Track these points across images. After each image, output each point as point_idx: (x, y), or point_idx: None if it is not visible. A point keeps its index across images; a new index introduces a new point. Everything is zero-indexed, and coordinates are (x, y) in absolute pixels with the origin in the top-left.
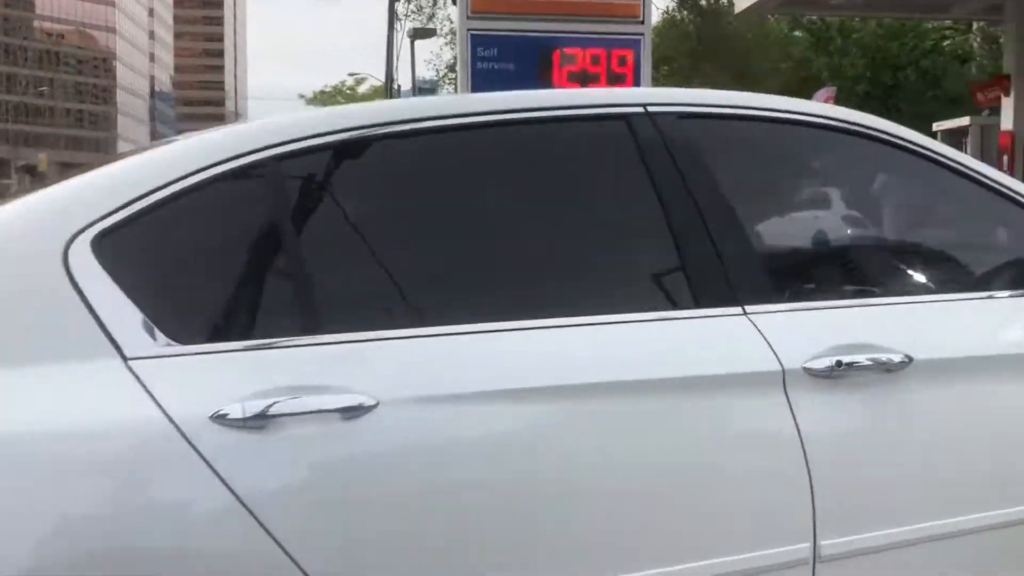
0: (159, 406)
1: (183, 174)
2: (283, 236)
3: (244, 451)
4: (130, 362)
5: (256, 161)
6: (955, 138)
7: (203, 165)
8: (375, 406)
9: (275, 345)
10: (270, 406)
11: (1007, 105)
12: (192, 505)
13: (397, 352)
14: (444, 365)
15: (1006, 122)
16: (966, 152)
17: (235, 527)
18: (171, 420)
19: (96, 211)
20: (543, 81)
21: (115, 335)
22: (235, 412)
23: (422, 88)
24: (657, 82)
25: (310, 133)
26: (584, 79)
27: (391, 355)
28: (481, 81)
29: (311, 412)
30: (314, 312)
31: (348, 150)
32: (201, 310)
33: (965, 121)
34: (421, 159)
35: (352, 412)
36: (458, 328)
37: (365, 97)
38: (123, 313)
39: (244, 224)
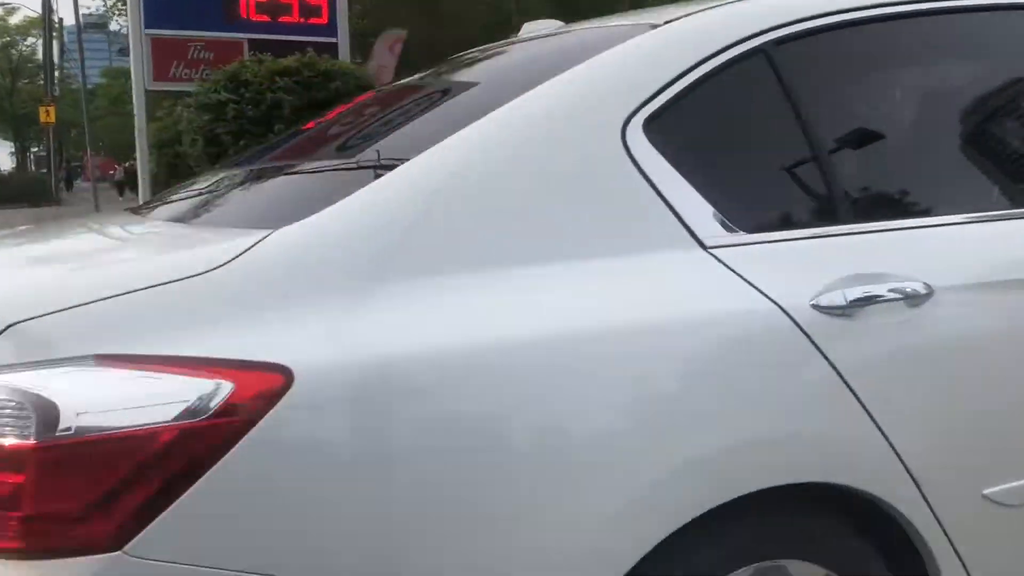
0: (764, 295)
1: (707, 55)
2: (823, 121)
3: (840, 336)
4: (711, 251)
5: (789, 35)
6: None
7: (729, 43)
8: (931, 293)
9: (832, 233)
10: (855, 292)
11: None
12: (809, 389)
13: (946, 239)
14: (995, 251)
15: None
16: None
17: (842, 410)
18: (782, 308)
19: (638, 95)
20: (228, 12)
21: (689, 224)
22: (832, 300)
23: (88, 23)
24: (350, 21)
25: (832, 8)
26: (275, 11)
27: (941, 242)
28: (155, 9)
29: (886, 299)
30: (861, 200)
31: (878, 26)
32: (756, 199)
33: None
34: (919, 41)
35: (915, 299)
36: (1001, 213)
37: (19, 29)
38: (689, 201)
39: (780, 109)
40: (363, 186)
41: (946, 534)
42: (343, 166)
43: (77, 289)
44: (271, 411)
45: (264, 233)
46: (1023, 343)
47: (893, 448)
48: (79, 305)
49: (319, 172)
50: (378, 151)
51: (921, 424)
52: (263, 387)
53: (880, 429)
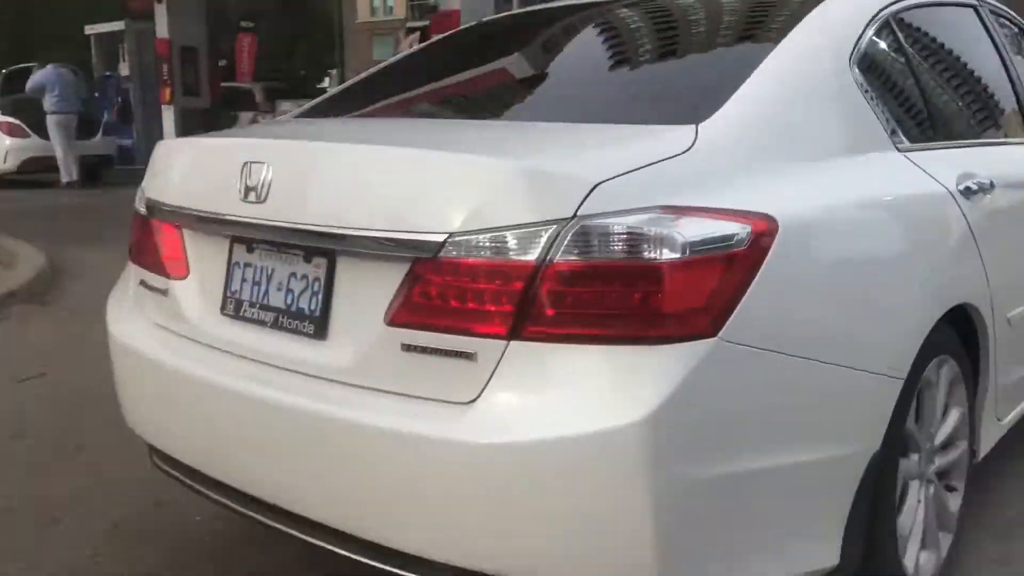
0: (939, 183)
1: (880, 7)
2: (946, 74)
3: (969, 209)
4: (903, 153)
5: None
6: (111, 42)
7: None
8: (993, 186)
9: (954, 147)
10: (967, 183)
11: (160, 12)
12: (963, 245)
13: (1002, 155)
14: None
15: (161, 29)
16: (123, 57)
17: (973, 258)
18: (949, 191)
19: (855, 34)
20: None
21: (888, 133)
22: (962, 187)
23: None
24: None
25: None
26: None
27: (1000, 156)
28: None
29: (978, 188)
30: (963, 125)
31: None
32: (916, 119)
33: (120, 26)
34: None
35: (988, 190)
36: None
37: None
38: (884, 117)
39: (944, 53)
40: (733, 86)
41: (995, 340)
42: (691, 68)
43: (616, 161)
44: (774, 243)
45: (691, 126)
46: None
47: (987, 280)
48: (630, 171)
49: (662, 71)
50: (708, 59)
51: (995, 265)
52: (767, 228)
53: (984, 269)
